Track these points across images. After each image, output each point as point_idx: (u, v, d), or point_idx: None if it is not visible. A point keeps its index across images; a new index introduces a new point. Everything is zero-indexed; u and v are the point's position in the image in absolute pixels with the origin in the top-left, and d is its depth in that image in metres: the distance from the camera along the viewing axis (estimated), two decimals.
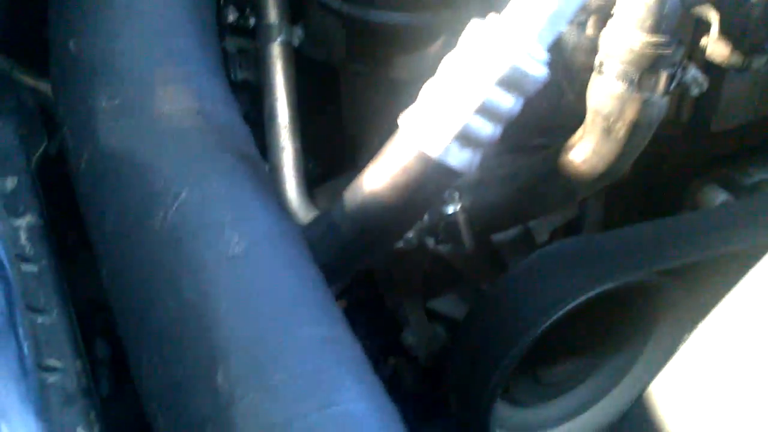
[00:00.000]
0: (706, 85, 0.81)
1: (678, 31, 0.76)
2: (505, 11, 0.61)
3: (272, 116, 0.97)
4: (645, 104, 0.78)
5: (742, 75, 0.94)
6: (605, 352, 0.98)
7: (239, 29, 1.01)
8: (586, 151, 0.83)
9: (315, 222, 0.73)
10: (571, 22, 0.84)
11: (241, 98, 1.00)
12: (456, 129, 0.62)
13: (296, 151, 0.95)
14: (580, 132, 0.84)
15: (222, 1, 1.01)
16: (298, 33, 0.99)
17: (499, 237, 1.01)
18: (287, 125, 0.96)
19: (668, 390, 0.66)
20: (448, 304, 1.05)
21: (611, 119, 0.79)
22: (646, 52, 0.75)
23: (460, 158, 0.63)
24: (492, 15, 0.62)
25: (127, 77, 0.72)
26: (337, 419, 0.51)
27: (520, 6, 0.60)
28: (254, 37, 1.01)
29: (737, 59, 0.83)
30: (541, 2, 0.59)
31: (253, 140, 0.75)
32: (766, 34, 0.79)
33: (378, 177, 0.66)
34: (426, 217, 0.89)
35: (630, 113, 0.78)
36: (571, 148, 0.84)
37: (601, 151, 0.82)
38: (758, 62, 0.83)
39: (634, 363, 0.98)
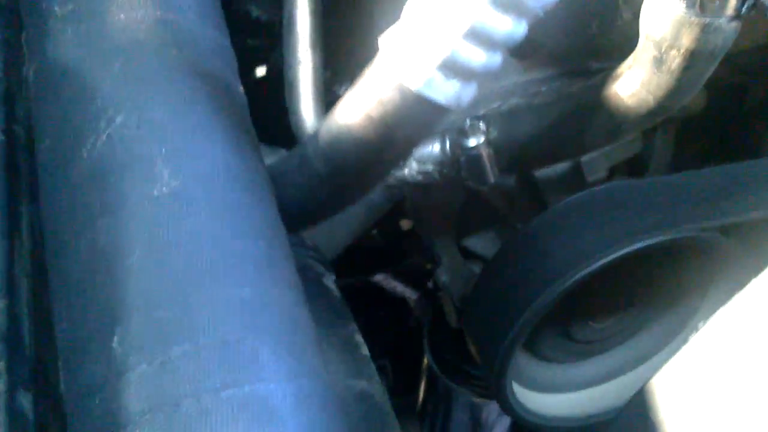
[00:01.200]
0: None
1: None
2: None
3: (290, 25, 0.86)
4: (706, 30, 0.64)
5: None
6: (653, 310, 0.86)
7: None
8: (634, 82, 0.70)
9: (289, 155, 0.63)
10: None
11: (260, 3, 0.90)
12: (440, 56, 0.50)
13: (315, 65, 0.85)
14: (630, 60, 0.71)
15: None
16: None
17: (543, 172, 0.88)
18: (307, 36, 0.85)
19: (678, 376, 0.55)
20: (483, 243, 0.95)
21: (664, 46, 0.66)
22: None
23: (444, 91, 0.52)
24: None
25: None
26: (236, 402, 0.42)
27: None
28: None
29: None
30: None
31: (232, 57, 0.64)
32: None
33: (353, 109, 0.55)
34: (447, 147, 0.77)
35: (687, 40, 0.65)
36: (617, 78, 0.71)
37: (650, 83, 0.69)
38: None
39: (684, 324, 0.85)
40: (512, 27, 0.50)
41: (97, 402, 0.44)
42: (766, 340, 0.52)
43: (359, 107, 0.55)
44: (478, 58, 0.51)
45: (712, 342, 0.69)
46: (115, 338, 0.45)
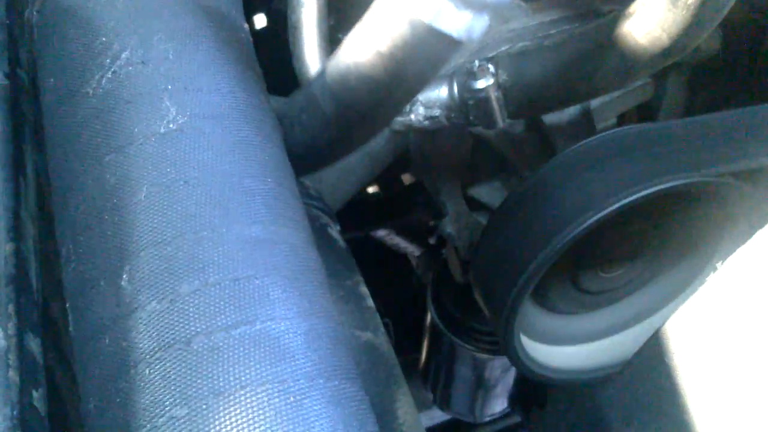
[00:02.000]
0: None
1: None
2: None
3: None
4: None
5: None
6: (662, 260, 0.85)
7: None
8: (648, 20, 0.68)
9: (295, 95, 0.62)
10: None
11: None
12: None
13: (320, 7, 0.83)
14: None
15: None
16: None
17: (552, 118, 0.87)
18: None
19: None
20: (490, 192, 0.93)
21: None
22: None
23: (456, 23, 0.50)
24: None
25: None
26: (247, 339, 0.41)
27: None
28: None
29: None
30: None
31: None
32: None
33: (361, 44, 0.54)
34: (455, 90, 0.76)
35: None
36: (630, 16, 0.70)
37: (666, 21, 0.67)
38: None
39: (695, 275, 0.84)
40: None
41: (107, 341, 0.43)
42: None
43: (367, 42, 0.53)
44: None
45: (725, 287, 0.68)
46: (125, 276, 0.44)
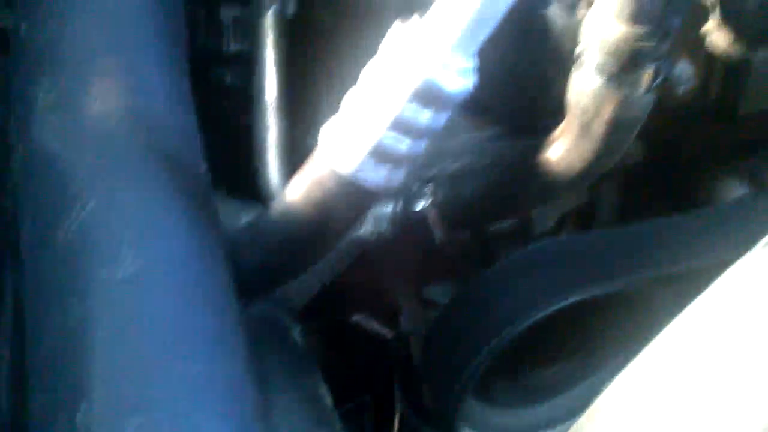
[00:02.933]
0: (695, 82, 0.73)
1: (664, 20, 0.69)
2: (426, 16, 0.55)
3: (260, 92, 0.93)
4: (625, 102, 0.71)
5: None
6: (598, 356, 0.92)
7: None
8: (563, 148, 0.77)
9: (245, 228, 0.70)
10: (561, 1, 0.78)
11: (233, 71, 0.97)
12: (369, 145, 0.57)
13: (282, 132, 0.92)
14: (561, 127, 0.78)
15: None
16: (292, 2, 0.94)
17: (495, 226, 0.95)
18: (274, 103, 0.93)
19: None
20: (443, 293, 1.01)
21: (588, 116, 0.73)
22: (625, 44, 0.68)
23: (376, 176, 0.59)
24: (414, 19, 0.56)
25: (67, 67, 0.69)
26: None
27: (440, 11, 0.54)
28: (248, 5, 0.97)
29: (738, 52, 0.75)
30: (461, 7, 0.53)
31: (197, 139, 0.71)
32: (764, 26, 0.71)
33: (299, 191, 0.62)
34: (399, 209, 0.84)
35: (608, 111, 0.72)
36: (550, 144, 0.78)
37: (578, 149, 0.76)
38: (762, 55, 0.74)
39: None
40: (432, 118, 0.57)
41: None
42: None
43: (303, 190, 0.62)
44: (404, 146, 0.58)
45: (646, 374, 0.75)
46: (80, 412, 0.51)
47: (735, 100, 0.94)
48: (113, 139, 0.65)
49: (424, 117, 0.57)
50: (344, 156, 0.58)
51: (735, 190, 0.99)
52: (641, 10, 0.67)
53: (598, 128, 0.74)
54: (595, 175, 0.78)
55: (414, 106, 0.56)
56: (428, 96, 0.56)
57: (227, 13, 0.97)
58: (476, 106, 0.89)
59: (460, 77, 0.55)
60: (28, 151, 0.68)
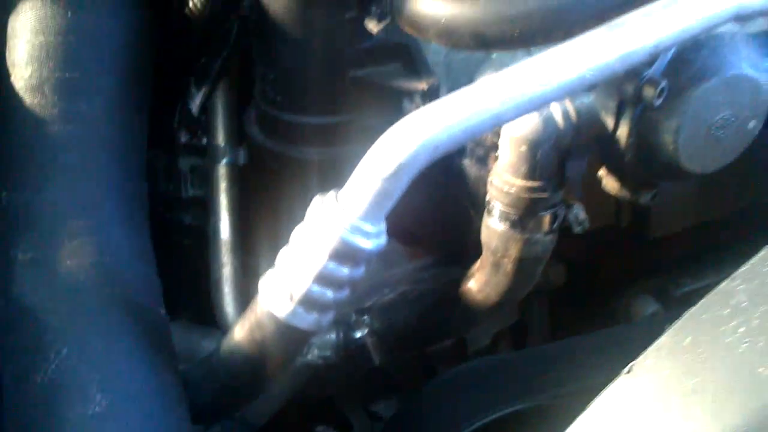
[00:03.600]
0: (588, 224, 0.85)
1: (555, 174, 0.81)
2: (342, 189, 0.67)
3: (215, 233, 1.05)
4: (528, 243, 0.83)
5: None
6: None
7: (192, 148, 1.10)
8: (481, 281, 0.88)
9: (199, 363, 0.80)
10: (472, 156, 0.90)
11: (192, 214, 1.08)
12: (299, 295, 0.68)
13: (236, 268, 1.03)
14: (478, 263, 0.89)
15: (176, 124, 1.10)
16: (243, 153, 1.07)
17: (432, 346, 1.06)
18: (228, 242, 1.04)
19: None
20: (388, 408, 1.11)
21: (498, 255, 0.84)
22: (523, 196, 0.80)
23: (306, 320, 0.70)
24: (332, 192, 0.68)
25: (42, 231, 0.80)
26: None
27: (353, 185, 0.66)
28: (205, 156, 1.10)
29: (626, 193, 0.87)
30: (369, 183, 0.65)
31: (157, 286, 0.82)
32: (643, 174, 0.83)
33: (244, 330, 0.73)
34: (340, 337, 0.95)
35: (514, 251, 0.83)
36: (470, 277, 0.89)
37: (492, 282, 0.87)
38: (645, 198, 0.87)
39: None
40: (350, 272, 0.69)
41: None
42: None
43: (246, 330, 0.73)
44: (329, 295, 0.69)
45: None
46: None
47: (644, 227, 1.06)
48: (83, 293, 0.76)
49: (343, 272, 0.68)
50: (279, 304, 0.70)
51: (648, 306, 1.11)
52: (535, 168, 0.79)
53: (507, 265, 0.85)
54: (509, 304, 0.90)
55: (333, 263, 0.67)
56: (345, 255, 0.67)
57: (185, 163, 1.10)
58: (410, 240, 1.02)
59: (370, 239, 0.67)
60: (8, 305, 0.78)
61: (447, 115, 0.64)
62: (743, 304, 0.58)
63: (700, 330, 0.59)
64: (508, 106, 0.65)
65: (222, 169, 1.06)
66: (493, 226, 0.84)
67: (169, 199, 1.08)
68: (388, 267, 1.04)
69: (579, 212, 0.85)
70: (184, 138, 1.09)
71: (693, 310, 0.60)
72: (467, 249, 1.01)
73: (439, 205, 0.99)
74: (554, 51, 0.67)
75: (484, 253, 0.87)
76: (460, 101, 0.65)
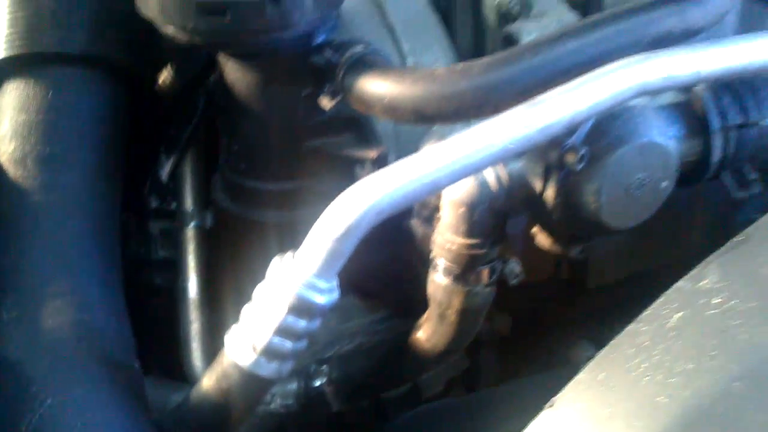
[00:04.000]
0: (522, 276, 0.94)
1: (492, 232, 0.90)
2: (298, 250, 0.76)
3: (183, 292, 1.13)
4: (469, 295, 0.92)
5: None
6: None
7: (162, 212, 1.18)
8: (428, 331, 0.97)
9: (170, 413, 0.88)
10: (419, 217, 0.99)
11: (162, 274, 1.16)
12: (261, 346, 0.77)
13: (203, 325, 1.11)
14: (425, 314, 0.98)
15: (147, 190, 1.18)
16: (209, 217, 1.15)
17: (388, 392, 1.14)
18: (196, 301, 1.12)
19: None
20: None
21: (443, 307, 0.93)
22: (463, 252, 0.89)
23: (268, 369, 0.78)
24: (289, 253, 0.77)
25: (26, 291, 0.88)
26: None
27: (307, 246, 0.75)
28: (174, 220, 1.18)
29: (557, 248, 0.96)
30: (322, 244, 0.74)
31: (131, 342, 0.90)
32: (570, 231, 0.93)
33: (211, 380, 0.81)
34: (301, 386, 1.03)
35: (457, 303, 0.92)
36: (419, 328, 0.98)
37: (439, 332, 0.95)
38: (574, 251, 0.96)
39: None
40: (308, 325, 0.77)
41: None
42: None
43: (213, 380, 0.80)
44: (288, 346, 0.77)
45: None
46: None
47: (582, 278, 1.16)
48: (64, 348, 0.83)
49: (300, 324, 0.76)
50: (243, 355, 0.78)
51: (586, 351, 1.20)
52: (473, 227, 0.89)
53: (452, 316, 0.94)
54: (456, 353, 0.98)
55: (291, 317, 0.76)
56: (301, 309, 0.76)
57: (156, 226, 1.18)
58: (368, 295, 1.11)
59: (323, 294, 0.76)
60: None
61: (389, 182, 0.74)
62: (645, 344, 0.68)
63: (612, 366, 0.68)
64: (443, 174, 0.75)
65: (190, 232, 1.14)
66: (438, 281, 0.93)
67: (140, 260, 1.16)
68: (347, 320, 1.13)
69: (514, 266, 0.94)
70: (154, 203, 1.17)
71: (605, 349, 0.70)
72: (417, 302, 1.10)
73: (392, 263, 1.07)
74: (484, 125, 0.77)
75: (430, 305, 0.96)
76: (400, 170, 0.74)
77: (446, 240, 0.90)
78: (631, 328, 0.68)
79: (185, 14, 0.85)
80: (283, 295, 0.75)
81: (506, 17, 1.06)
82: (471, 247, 0.90)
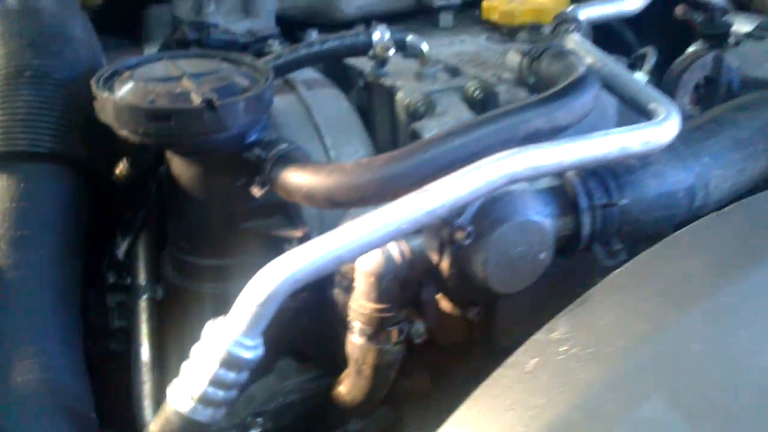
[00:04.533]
0: (425, 336, 1.11)
1: (398, 298, 1.07)
2: (228, 314, 0.92)
3: (136, 356, 1.28)
4: (381, 352, 1.08)
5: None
6: None
7: (118, 287, 1.34)
8: (348, 385, 1.13)
9: None
10: (340, 286, 1.16)
11: (117, 341, 1.32)
12: (197, 395, 0.92)
13: (153, 384, 1.25)
14: (346, 370, 1.14)
15: (105, 267, 1.34)
16: (160, 290, 1.31)
17: None
18: (147, 363, 1.27)
19: None
20: None
21: (359, 363, 1.09)
22: (374, 315, 1.06)
23: (204, 414, 0.93)
24: (221, 317, 0.93)
25: None
26: None
27: (235, 311, 0.91)
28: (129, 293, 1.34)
29: (457, 311, 1.13)
30: (247, 309, 0.90)
31: (90, 397, 1.05)
32: (465, 296, 1.10)
33: (156, 425, 0.96)
34: None
35: (370, 359, 1.08)
36: (340, 383, 1.14)
37: (357, 386, 1.11)
38: (472, 314, 1.13)
39: None
40: (237, 376, 0.93)
41: None
42: None
43: (158, 426, 0.95)
44: (221, 394, 0.93)
45: None
46: None
47: (492, 337, 1.32)
48: (31, 402, 0.98)
49: (230, 376, 0.92)
50: (183, 403, 0.93)
51: None
52: (381, 294, 1.06)
53: (367, 371, 1.10)
54: (374, 403, 1.14)
55: (223, 369, 0.92)
56: (231, 363, 0.91)
57: (113, 299, 1.33)
58: (301, 357, 1.26)
59: (249, 350, 0.92)
60: None
61: (302, 258, 0.90)
62: (508, 384, 0.85)
63: (482, 403, 0.85)
64: (346, 251, 0.92)
65: (143, 304, 1.29)
66: (354, 341, 1.09)
67: (98, 329, 1.31)
68: (284, 379, 1.28)
69: (419, 327, 1.11)
70: (111, 279, 1.33)
71: (478, 389, 0.86)
72: (340, 361, 1.26)
73: (320, 328, 1.24)
74: (383, 209, 0.94)
75: (349, 362, 1.12)
76: (311, 248, 0.91)
77: (360, 305, 1.06)
78: (497, 372, 0.85)
79: (137, 120, 1.02)
80: (215, 352, 0.90)
81: (414, 115, 1.25)
82: (380, 311, 1.06)
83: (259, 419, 1.16)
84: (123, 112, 1.02)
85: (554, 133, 1.03)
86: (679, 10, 1.64)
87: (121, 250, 1.30)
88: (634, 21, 1.66)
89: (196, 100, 1.01)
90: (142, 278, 1.30)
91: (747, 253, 0.92)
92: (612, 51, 1.32)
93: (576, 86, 1.07)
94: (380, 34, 1.27)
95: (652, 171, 1.12)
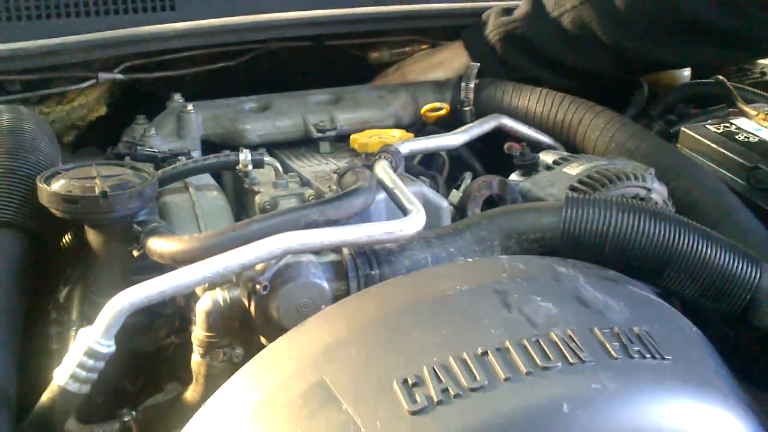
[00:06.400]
0: (241, 358, 1.66)
1: (223, 329, 1.63)
2: (93, 324, 1.49)
3: None
4: (210, 367, 1.63)
5: None
6: None
7: (58, 320, 1.90)
8: (190, 390, 1.67)
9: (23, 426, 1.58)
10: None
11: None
12: (69, 372, 1.47)
13: None
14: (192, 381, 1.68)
15: (50, 307, 1.91)
16: (86, 323, 1.88)
17: None
18: None
19: None
20: None
21: (197, 375, 1.63)
22: (205, 341, 1.61)
23: (73, 387, 1.44)
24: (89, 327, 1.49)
25: None
26: None
27: (98, 321, 1.47)
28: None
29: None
30: (104, 319, 1.46)
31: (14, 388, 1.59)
32: (267, 331, 1.65)
33: (46, 394, 1.51)
34: None
35: (203, 372, 1.63)
36: (187, 390, 1.69)
37: (196, 390, 1.66)
38: None
39: None
40: (95, 363, 1.48)
41: None
42: None
43: (46, 396, 1.51)
44: (85, 375, 1.48)
45: None
46: None
47: None
48: None
49: (90, 363, 1.46)
50: (61, 378, 1.48)
51: None
52: (210, 326, 1.61)
53: (201, 381, 1.65)
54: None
55: (86, 357, 1.47)
56: (91, 353, 1.45)
57: (53, 329, 1.90)
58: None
59: (104, 347, 1.47)
60: None
61: (138, 290, 1.47)
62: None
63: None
64: (171, 286, 1.48)
65: (72, 333, 1.85)
66: (195, 358, 1.64)
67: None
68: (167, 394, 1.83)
69: (239, 351, 1.66)
70: (54, 315, 1.88)
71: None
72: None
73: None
74: (195, 265, 1.51)
75: (194, 375, 1.67)
76: (149, 285, 1.47)
77: (197, 333, 1.62)
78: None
79: (57, 202, 1.62)
80: (83, 346, 1.46)
81: (263, 211, 1.83)
82: (209, 337, 1.62)
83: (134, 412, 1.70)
84: (52, 197, 1.61)
85: (328, 224, 1.58)
86: (507, 146, 2.22)
87: (62, 295, 1.86)
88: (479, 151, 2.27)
89: (97, 191, 1.61)
90: (74, 315, 1.86)
91: None
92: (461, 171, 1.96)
93: (349, 194, 1.63)
94: (244, 156, 1.86)
95: (407, 254, 1.67)
